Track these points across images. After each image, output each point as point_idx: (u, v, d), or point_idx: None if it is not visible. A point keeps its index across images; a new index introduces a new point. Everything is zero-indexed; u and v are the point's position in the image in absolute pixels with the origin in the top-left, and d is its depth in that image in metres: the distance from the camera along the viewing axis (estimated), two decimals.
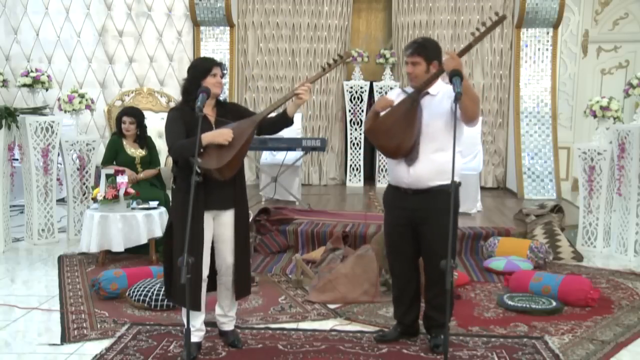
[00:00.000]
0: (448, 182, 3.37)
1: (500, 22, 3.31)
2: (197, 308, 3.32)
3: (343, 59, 3.56)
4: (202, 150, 3.18)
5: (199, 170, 3.07)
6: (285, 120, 3.43)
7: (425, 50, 3.44)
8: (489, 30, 3.32)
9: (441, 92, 3.45)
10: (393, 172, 3.53)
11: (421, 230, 3.44)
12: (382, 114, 3.45)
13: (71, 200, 6.35)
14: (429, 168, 3.36)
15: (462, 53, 3.35)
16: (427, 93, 3.43)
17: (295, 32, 8.84)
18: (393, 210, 3.57)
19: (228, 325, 3.57)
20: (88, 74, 8.62)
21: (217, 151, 3.20)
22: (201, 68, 3.33)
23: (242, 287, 3.48)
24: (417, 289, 3.65)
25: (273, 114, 3.49)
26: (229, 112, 3.43)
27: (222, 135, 3.22)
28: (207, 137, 3.19)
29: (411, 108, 3.38)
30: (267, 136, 5.01)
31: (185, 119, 3.28)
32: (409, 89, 3.55)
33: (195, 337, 3.40)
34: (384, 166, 8.76)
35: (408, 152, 3.38)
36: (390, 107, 3.42)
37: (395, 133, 3.37)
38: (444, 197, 3.32)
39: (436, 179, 3.37)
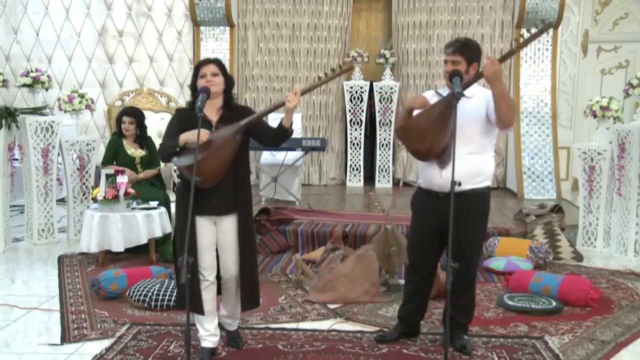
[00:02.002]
0: (481, 185, 3.39)
1: (545, 30, 3.24)
2: (200, 311, 3.26)
3: (343, 71, 3.37)
4: (178, 149, 3.15)
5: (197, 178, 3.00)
6: (282, 132, 3.24)
7: (468, 50, 3.37)
8: (534, 38, 3.24)
9: (477, 94, 3.39)
10: (425, 175, 3.47)
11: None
12: (415, 113, 3.38)
13: (71, 200, 6.35)
14: (462, 171, 3.24)
15: (503, 59, 3.28)
16: (462, 95, 3.35)
17: (295, 32, 8.84)
18: (424, 214, 3.50)
19: (231, 326, 3.54)
20: (88, 74, 8.62)
21: (193, 152, 3.09)
22: (193, 71, 3.30)
23: (249, 300, 3.34)
24: (429, 292, 3.65)
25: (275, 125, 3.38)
26: (235, 115, 3.26)
27: (193, 134, 3.07)
28: (183, 137, 3.13)
29: (446, 110, 3.26)
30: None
31: (183, 119, 3.25)
32: (443, 91, 3.49)
33: (209, 343, 3.35)
34: (384, 166, 8.77)
35: (439, 155, 3.31)
36: (425, 106, 3.35)
37: (427, 135, 3.29)
38: (477, 200, 3.32)
39: (469, 182, 3.30)
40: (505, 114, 3.22)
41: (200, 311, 3.25)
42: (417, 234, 3.59)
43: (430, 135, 3.29)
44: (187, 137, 3.11)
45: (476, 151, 3.36)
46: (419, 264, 3.59)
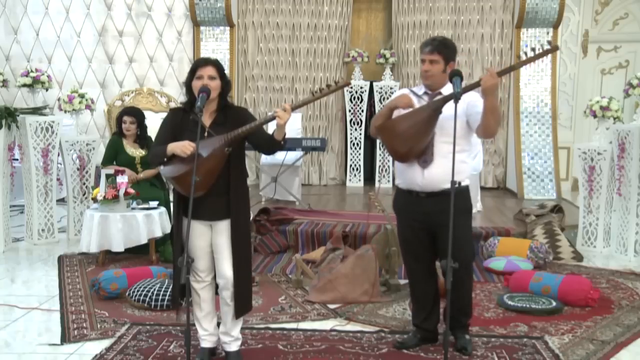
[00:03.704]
0: (463, 183, 3.35)
1: (551, 52, 3.20)
2: (177, 316, 3.33)
3: (338, 87, 3.26)
4: (165, 159, 3.12)
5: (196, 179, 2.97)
6: (272, 142, 3.16)
7: (446, 49, 3.34)
8: (537, 57, 3.21)
9: None
10: (404, 175, 3.43)
11: (438, 233, 3.35)
12: (395, 114, 3.34)
13: (71, 200, 6.36)
14: (443, 170, 3.23)
15: (501, 73, 3.26)
16: (440, 94, 3.35)
17: (295, 32, 8.85)
18: (406, 214, 3.48)
19: (230, 346, 3.32)
20: (88, 74, 8.62)
21: (180, 162, 3.07)
22: (190, 70, 3.19)
23: (241, 304, 3.22)
24: (437, 292, 3.61)
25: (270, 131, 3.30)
26: (230, 119, 3.15)
27: (179, 147, 3.03)
28: (170, 147, 3.08)
29: (433, 115, 3.23)
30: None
31: (175, 121, 3.20)
32: (418, 89, 3.47)
33: (209, 343, 3.33)
34: (384, 166, 8.77)
35: (418, 156, 3.30)
36: (410, 107, 3.31)
37: (408, 137, 3.26)
38: (459, 198, 3.26)
39: (450, 182, 3.26)
40: (491, 127, 3.23)
41: (178, 315, 3.31)
42: (404, 237, 3.57)
43: (412, 138, 3.26)
44: (174, 148, 3.07)
45: (457, 150, 3.29)
46: (413, 266, 3.57)
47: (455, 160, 3.27)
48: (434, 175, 3.30)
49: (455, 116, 3.11)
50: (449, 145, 3.27)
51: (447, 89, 3.34)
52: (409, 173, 3.39)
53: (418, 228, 3.43)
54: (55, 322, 3.97)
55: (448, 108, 3.27)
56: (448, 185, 3.23)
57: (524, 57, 3.23)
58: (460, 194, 3.30)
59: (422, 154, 3.30)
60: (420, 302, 3.61)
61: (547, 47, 3.20)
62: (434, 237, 3.41)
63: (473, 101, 3.30)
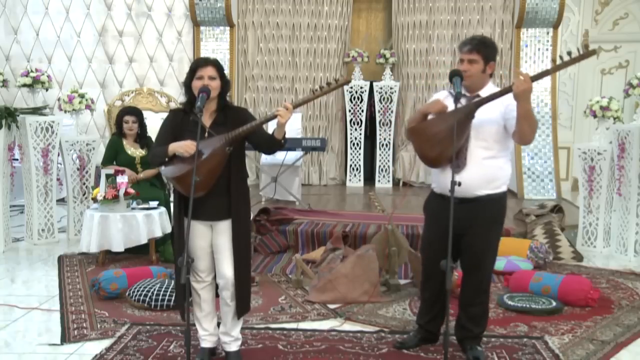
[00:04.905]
0: (497, 190, 3.25)
1: (587, 57, 3.06)
2: (181, 316, 3.23)
3: (338, 85, 3.21)
4: (167, 159, 3.13)
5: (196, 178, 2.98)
6: (273, 142, 3.17)
7: (485, 48, 3.23)
8: (573, 62, 3.07)
9: None
10: (438, 179, 3.34)
11: (465, 241, 3.25)
12: (430, 117, 3.26)
13: (71, 200, 6.36)
14: (477, 176, 3.14)
15: (535, 77, 3.12)
16: (478, 96, 3.23)
17: (295, 32, 8.85)
18: (437, 219, 3.34)
19: (230, 346, 3.32)
20: (88, 74, 8.62)
21: (181, 162, 3.07)
22: (190, 70, 3.18)
23: (241, 305, 3.23)
24: (447, 296, 3.59)
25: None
26: (230, 119, 3.16)
27: (181, 146, 3.05)
28: (172, 147, 3.09)
29: (465, 120, 3.14)
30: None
31: (176, 122, 3.20)
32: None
33: (209, 343, 3.33)
34: (384, 166, 8.78)
35: (448, 162, 3.17)
36: (443, 112, 3.22)
37: (439, 141, 3.17)
38: (493, 207, 3.21)
39: (485, 188, 3.20)
40: (526, 133, 3.12)
41: (182, 317, 3.20)
42: (429, 240, 3.49)
43: (442, 142, 3.16)
44: (176, 148, 3.08)
45: (493, 155, 3.23)
46: (432, 270, 3.45)
47: (492, 166, 3.23)
48: (467, 181, 3.14)
49: (455, 118, 3.07)
50: (485, 150, 3.21)
51: (487, 90, 3.24)
52: (442, 177, 3.29)
53: (445, 233, 3.19)
54: (55, 322, 3.97)
55: (483, 112, 3.17)
56: (482, 192, 3.20)
57: (559, 62, 3.09)
58: (494, 202, 3.24)
59: (450, 161, 3.16)
60: (429, 304, 3.56)
61: (584, 51, 3.04)
62: (461, 244, 3.30)
63: (512, 105, 3.13)
